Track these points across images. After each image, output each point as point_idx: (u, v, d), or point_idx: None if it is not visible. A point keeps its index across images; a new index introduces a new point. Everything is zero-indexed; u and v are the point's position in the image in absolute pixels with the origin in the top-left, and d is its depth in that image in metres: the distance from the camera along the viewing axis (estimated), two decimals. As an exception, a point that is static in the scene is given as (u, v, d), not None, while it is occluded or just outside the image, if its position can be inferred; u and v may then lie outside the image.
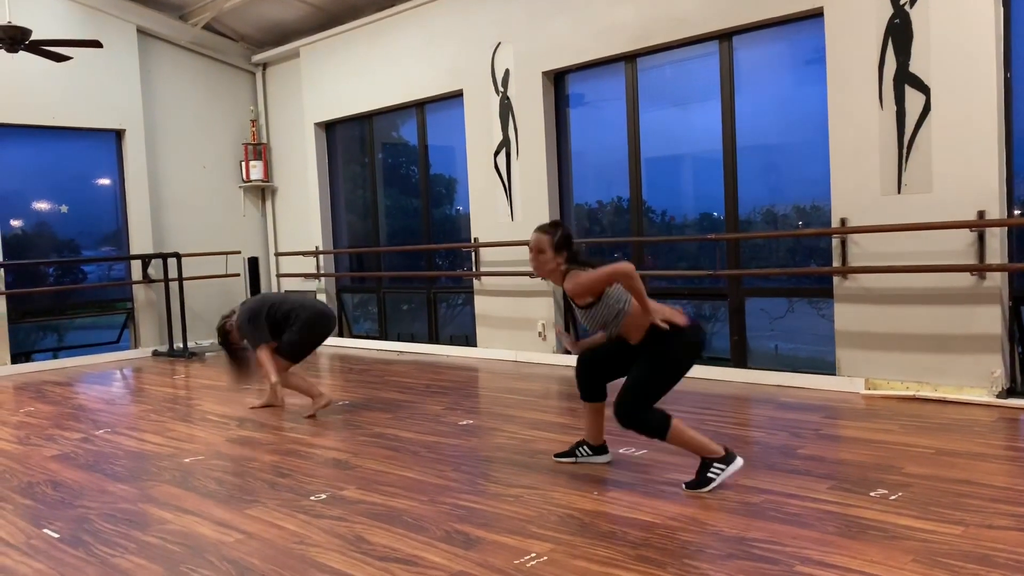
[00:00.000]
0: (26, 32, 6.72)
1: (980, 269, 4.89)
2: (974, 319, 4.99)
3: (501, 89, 7.51)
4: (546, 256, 3.71)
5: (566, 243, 3.74)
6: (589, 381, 3.97)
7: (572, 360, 7.18)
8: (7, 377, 8.08)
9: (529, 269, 6.52)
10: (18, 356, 8.53)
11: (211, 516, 3.57)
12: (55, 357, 8.86)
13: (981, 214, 4.88)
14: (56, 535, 3.42)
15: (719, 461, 3.62)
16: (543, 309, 7.35)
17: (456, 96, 7.99)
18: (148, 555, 3.15)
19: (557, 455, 4.19)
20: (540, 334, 7.35)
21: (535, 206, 7.29)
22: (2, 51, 6.80)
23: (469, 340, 8.24)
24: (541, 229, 3.78)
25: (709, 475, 3.60)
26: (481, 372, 7.11)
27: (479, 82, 7.67)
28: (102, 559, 3.14)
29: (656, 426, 3.62)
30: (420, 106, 8.52)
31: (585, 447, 4.12)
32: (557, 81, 7.28)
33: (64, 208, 9.04)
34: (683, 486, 3.63)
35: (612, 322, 3.69)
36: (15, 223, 8.74)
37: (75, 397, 6.91)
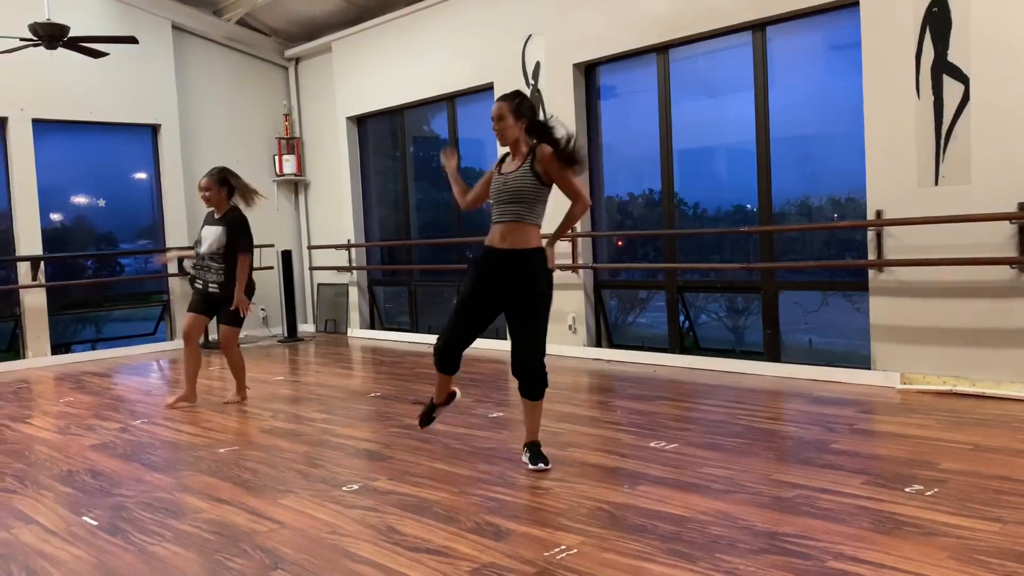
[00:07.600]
0: (64, 29, 6.83)
1: (1020, 262, 4.80)
2: (1014, 313, 4.89)
3: (532, 81, 7.49)
4: (507, 123, 3.87)
5: (528, 112, 3.90)
6: (456, 355, 4.14)
7: (600, 353, 7.14)
8: (48, 368, 8.25)
9: (560, 262, 6.53)
10: (58, 347, 8.70)
11: (245, 505, 3.62)
12: (93, 348, 9.02)
13: (1022, 206, 4.78)
14: (95, 523, 3.49)
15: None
16: (574, 302, 7.33)
17: (487, 89, 7.98)
18: (184, 543, 3.21)
19: (421, 422, 4.43)
20: (570, 327, 7.35)
21: (565, 199, 7.23)
22: (41, 48, 6.93)
23: (499, 333, 8.23)
24: (502, 97, 3.95)
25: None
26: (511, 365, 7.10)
27: (509, 75, 7.65)
28: (139, 547, 3.19)
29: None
30: (451, 99, 8.53)
31: (441, 408, 4.41)
32: (588, 73, 7.25)
33: (102, 202, 9.20)
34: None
35: (531, 211, 3.91)
36: (55, 217, 8.90)
37: (113, 388, 7.03)
